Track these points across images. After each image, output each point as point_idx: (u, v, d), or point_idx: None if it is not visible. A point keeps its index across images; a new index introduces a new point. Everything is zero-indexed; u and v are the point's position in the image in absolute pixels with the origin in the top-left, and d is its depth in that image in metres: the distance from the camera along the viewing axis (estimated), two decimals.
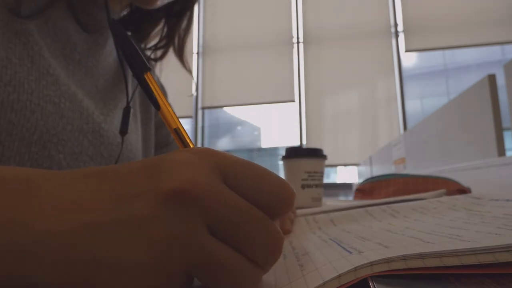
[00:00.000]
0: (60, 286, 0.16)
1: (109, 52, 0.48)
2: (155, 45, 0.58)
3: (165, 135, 0.66)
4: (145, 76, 0.27)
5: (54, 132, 0.35)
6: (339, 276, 0.17)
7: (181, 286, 0.16)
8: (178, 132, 0.25)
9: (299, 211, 0.43)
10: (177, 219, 0.16)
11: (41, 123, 0.34)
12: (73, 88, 0.39)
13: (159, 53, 0.58)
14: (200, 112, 3.58)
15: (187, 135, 0.25)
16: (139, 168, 0.18)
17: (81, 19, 0.41)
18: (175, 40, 0.57)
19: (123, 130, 0.43)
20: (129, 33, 0.59)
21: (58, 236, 0.16)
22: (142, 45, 0.60)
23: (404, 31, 3.20)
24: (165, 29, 0.57)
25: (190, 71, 0.61)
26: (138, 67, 0.27)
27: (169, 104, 0.27)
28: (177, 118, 0.26)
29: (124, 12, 0.53)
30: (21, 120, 0.32)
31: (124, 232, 0.16)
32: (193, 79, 0.65)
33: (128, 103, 0.43)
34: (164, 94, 0.65)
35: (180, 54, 0.58)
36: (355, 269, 0.17)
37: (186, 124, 3.64)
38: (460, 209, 0.34)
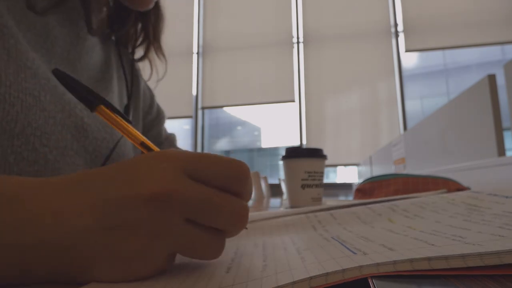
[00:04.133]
0: (70, 276, 0.19)
1: (92, 47, 0.49)
2: (137, 42, 0.60)
3: (155, 135, 0.66)
4: (98, 110, 0.28)
5: (36, 125, 0.35)
6: (343, 270, 0.17)
7: (165, 263, 0.20)
8: (145, 145, 0.28)
9: (299, 210, 0.43)
10: (158, 218, 0.19)
11: (21, 116, 0.33)
12: (53, 81, 0.38)
13: (142, 51, 0.59)
14: (200, 112, 3.58)
15: (152, 144, 0.28)
16: (117, 173, 0.21)
17: (92, 20, 0.41)
18: (150, 30, 0.58)
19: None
20: (113, 38, 0.59)
21: (63, 236, 0.19)
22: (130, 50, 0.61)
23: (404, 31, 3.20)
24: (140, 24, 0.58)
25: (163, 56, 0.62)
26: (90, 102, 0.28)
27: (128, 123, 0.28)
28: (138, 133, 0.29)
29: (104, 11, 0.53)
30: (0, 113, 0.32)
31: (115, 235, 0.19)
32: (165, 62, 0.68)
33: (128, 99, 0.43)
34: (151, 96, 0.67)
35: (157, 40, 0.59)
36: (360, 267, 0.17)
37: (186, 124, 3.64)
38: (459, 203, 0.34)
